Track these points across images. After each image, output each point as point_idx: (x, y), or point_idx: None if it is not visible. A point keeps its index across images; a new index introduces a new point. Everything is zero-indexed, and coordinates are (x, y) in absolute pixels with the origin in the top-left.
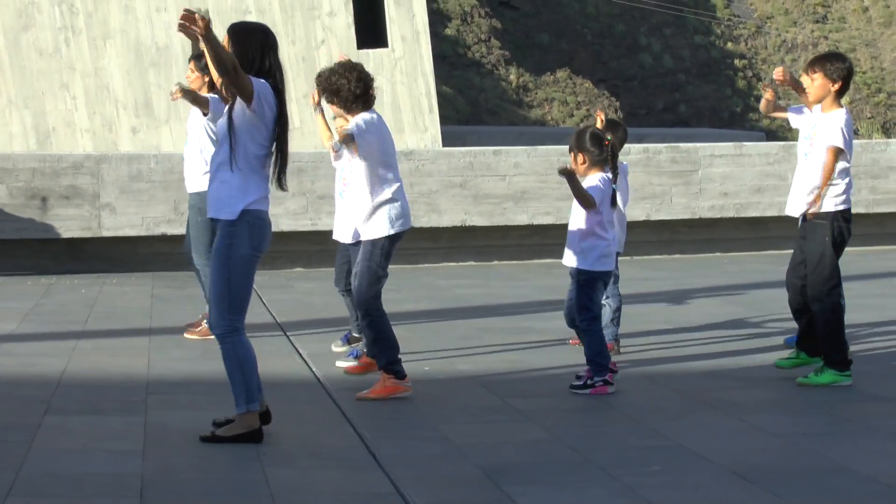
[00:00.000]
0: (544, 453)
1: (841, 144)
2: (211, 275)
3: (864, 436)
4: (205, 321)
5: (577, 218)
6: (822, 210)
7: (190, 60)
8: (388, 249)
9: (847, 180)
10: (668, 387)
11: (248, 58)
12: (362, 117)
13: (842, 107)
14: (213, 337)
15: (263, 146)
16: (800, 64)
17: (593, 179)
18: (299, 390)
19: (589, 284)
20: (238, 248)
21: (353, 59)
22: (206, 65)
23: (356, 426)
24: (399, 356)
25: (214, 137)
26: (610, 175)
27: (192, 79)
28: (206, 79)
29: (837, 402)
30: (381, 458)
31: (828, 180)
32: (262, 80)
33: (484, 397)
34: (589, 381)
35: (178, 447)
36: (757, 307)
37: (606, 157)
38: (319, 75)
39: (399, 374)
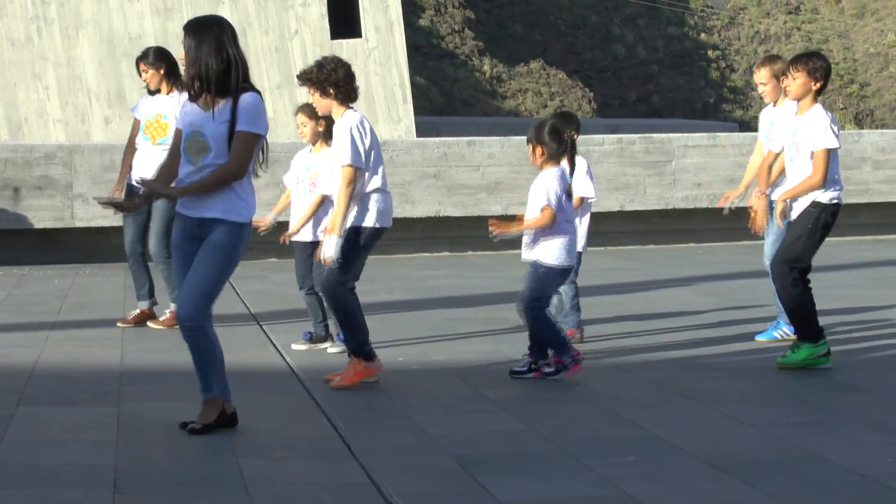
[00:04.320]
0: (519, 443)
1: (836, 144)
2: (204, 270)
3: (838, 426)
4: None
5: (534, 212)
6: (814, 200)
7: (138, 62)
8: (369, 241)
9: (837, 176)
10: (643, 377)
11: (209, 53)
12: (355, 125)
13: (818, 103)
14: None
15: (257, 157)
16: (774, 52)
17: (550, 174)
18: (273, 381)
19: (547, 276)
20: (241, 250)
21: (327, 50)
22: (155, 60)
23: (330, 417)
24: (367, 337)
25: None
26: (566, 167)
27: (149, 77)
28: (161, 72)
29: (812, 393)
30: (355, 449)
31: (822, 182)
32: (257, 97)
33: (458, 387)
34: (560, 366)
35: (151, 438)
36: (731, 297)
37: (565, 149)
38: (308, 72)
39: (369, 356)
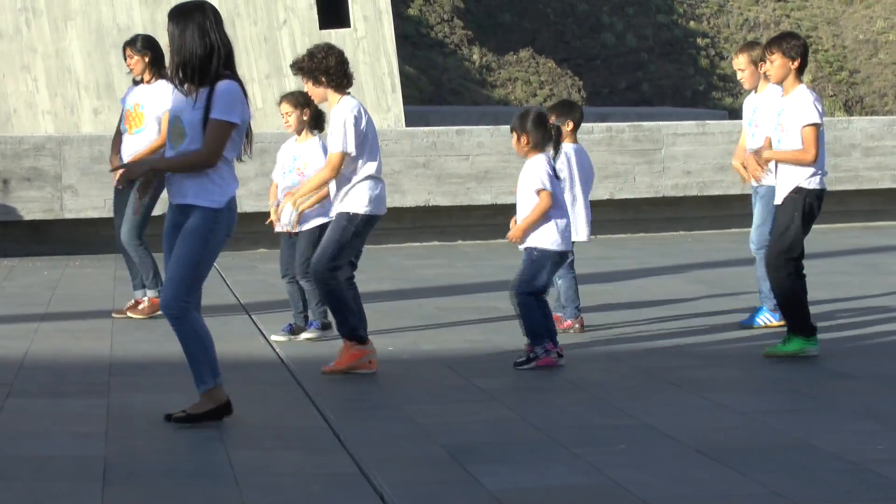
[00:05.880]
0: (508, 433)
1: (818, 119)
2: (179, 255)
3: (827, 413)
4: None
5: (526, 201)
6: (797, 186)
7: (125, 47)
8: (361, 228)
9: (820, 160)
10: (633, 365)
11: (192, 40)
12: (350, 111)
13: (802, 83)
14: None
15: (238, 144)
16: (763, 40)
17: (538, 161)
18: (263, 371)
19: (541, 261)
20: (218, 235)
21: (316, 40)
22: (142, 48)
23: (320, 407)
24: (359, 321)
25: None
26: (552, 153)
27: (134, 63)
28: (147, 59)
29: (801, 380)
30: (345, 439)
31: (814, 159)
32: (234, 84)
33: (448, 377)
34: (532, 355)
35: (141, 429)
36: (720, 285)
37: (549, 137)
38: (300, 61)
39: (362, 339)
